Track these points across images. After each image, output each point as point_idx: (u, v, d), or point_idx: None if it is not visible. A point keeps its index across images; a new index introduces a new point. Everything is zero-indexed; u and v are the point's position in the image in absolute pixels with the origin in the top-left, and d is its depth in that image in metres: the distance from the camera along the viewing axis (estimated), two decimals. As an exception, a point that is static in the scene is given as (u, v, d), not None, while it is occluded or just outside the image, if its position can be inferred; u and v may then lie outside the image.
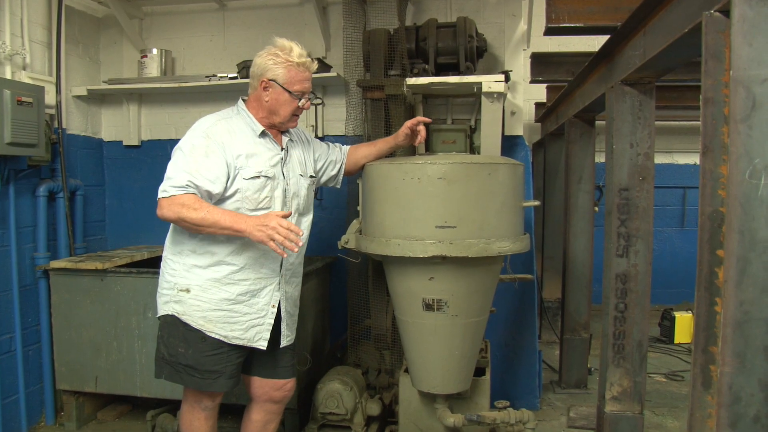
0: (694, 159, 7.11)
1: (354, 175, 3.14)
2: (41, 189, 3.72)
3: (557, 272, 5.39)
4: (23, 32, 3.64)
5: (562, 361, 4.55)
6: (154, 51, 4.14)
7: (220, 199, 2.45)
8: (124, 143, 4.42)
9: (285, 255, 2.37)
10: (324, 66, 4.00)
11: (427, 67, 3.52)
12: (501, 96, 3.43)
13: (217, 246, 2.48)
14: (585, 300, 4.40)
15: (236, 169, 2.45)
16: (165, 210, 2.35)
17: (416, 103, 3.83)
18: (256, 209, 2.49)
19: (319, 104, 4.21)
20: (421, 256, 2.65)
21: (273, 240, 2.26)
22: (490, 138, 3.65)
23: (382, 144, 3.05)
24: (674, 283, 7.01)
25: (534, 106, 6.67)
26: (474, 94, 3.71)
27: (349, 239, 3.07)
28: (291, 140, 2.71)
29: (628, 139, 2.87)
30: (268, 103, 2.54)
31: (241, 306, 2.53)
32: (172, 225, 2.57)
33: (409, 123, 2.92)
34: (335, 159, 2.99)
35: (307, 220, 2.79)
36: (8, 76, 3.48)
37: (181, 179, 2.34)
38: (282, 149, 2.64)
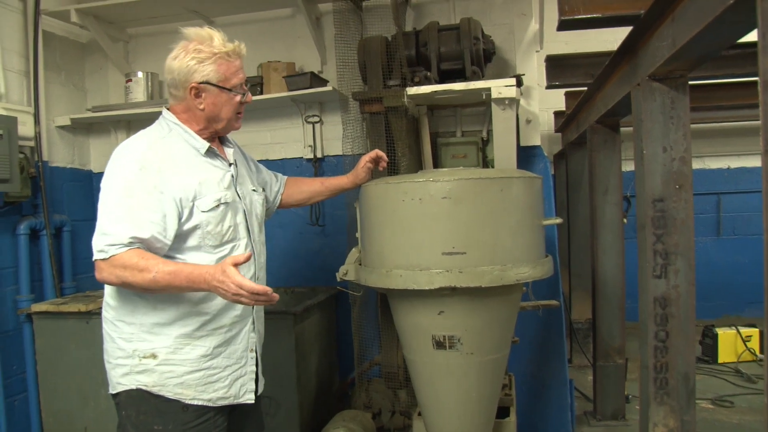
0: (727, 163, 6.69)
1: (288, 209, 2.81)
2: (22, 227, 3.47)
3: (586, 290, 4.99)
4: (-3, 61, 3.41)
5: (596, 390, 4.14)
6: (140, 74, 3.88)
7: (176, 240, 2.00)
8: (114, 174, 4.15)
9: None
10: (320, 80, 3.70)
11: (429, 74, 3.19)
12: (513, 102, 3.09)
13: (182, 295, 2.02)
14: (618, 322, 4.00)
15: (189, 203, 2.00)
16: (105, 273, 1.89)
17: (420, 116, 3.51)
18: (221, 244, 2.08)
19: (316, 122, 3.92)
20: (426, 288, 2.31)
21: (240, 303, 1.85)
22: (504, 150, 3.31)
23: (335, 181, 2.71)
24: (712, 296, 6.55)
25: (553, 115, 6.33)
26: (484, 103, 3.38)
27: (347, 270, 2.74)
28: (234, 150, 2.30)
29: (660, 142, 2.51)
30: (204, 111, 2.08)
31: (220, 359, 2.10)
32: None
33: (366, 156, 2.60)
34: (273, 186, 2.63)
35: (264, 239, 2.39)
36: (-22, 107, 3.24)
37: (120, 234, 1.87)
38: (230, 164, 2.21)
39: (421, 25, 3.45)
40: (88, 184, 4.17)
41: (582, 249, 5.24)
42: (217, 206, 2.06)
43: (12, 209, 3.45)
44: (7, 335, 3.41)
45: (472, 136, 3.66)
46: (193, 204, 2.00)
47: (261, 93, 3.74)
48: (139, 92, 3.87)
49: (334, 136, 3.89)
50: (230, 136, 2.33)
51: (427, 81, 3.18)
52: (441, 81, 3.24)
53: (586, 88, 4.01)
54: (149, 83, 3.91)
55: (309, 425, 3.26)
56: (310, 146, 3.94)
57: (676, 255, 2.50)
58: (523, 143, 3.60)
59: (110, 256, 1.86)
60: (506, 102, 3.07)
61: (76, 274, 3.92)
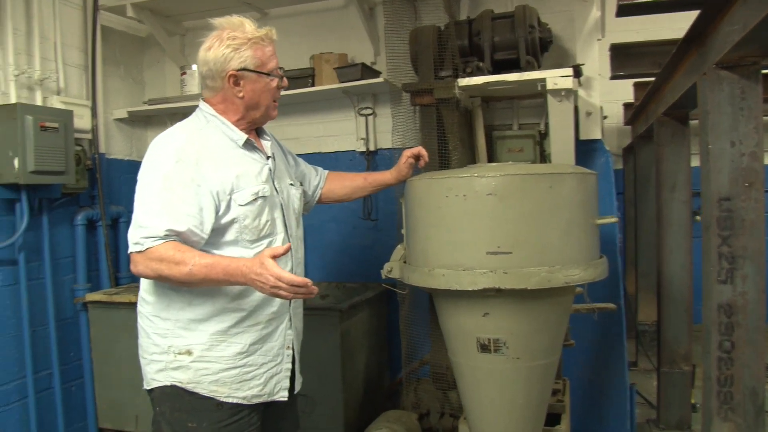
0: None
1: (334, 203, 2.76)
2: (79, 217, 3.55)
3: (653, 291, 4.74)
4: (57, 56, 3.50)
5: (660, 397, 3.92)
6: (194, 67, 3.89)
7: (213, 234, 1.97)
8: (171, 166, 4.20)
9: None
10: (371, 72, 3.63)
11: (481, 64, 3.06)
12: (570, 93, 2.93)
13: (218, 291, 1.99)
14: (684, 327, 3.77)
15: (226, 196, 1.96)
16: (140, 266, 1.87)
17: (474, 108, 3.38)
18: (258, 239, 2.04)
19: (369, 115, 3.84)
20: (469, 288, 2.20)
21: (278, 296, 1.82)
22: (560, 143, 3.14)
23: (378, 177, 2.63)
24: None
25: (622, 107, 6.05)
26: (542, 94, 3.22)
27: (392, 268, 2.65)
28: (272, 143, 2.25)
29: (728, 136, 2.31)
30: (244, 99, 2.04)
31: (256, 356, 2.06)
32: None
33: (408, 152, 2.51)
34: (312, 181, 2.57)
35: (302, 234, 2.35)
36: (38, 101, 3.33)
37: (157, 227, 1.84)
38: (268, 157, 2.17)
39: (476, 14, 3.32)
40: (145, 176, 4.24)
41: (649, 248, 4.99)
42: (255, 200, 2.02)
43: (70, 200, 3.53)
44: (65, 322, 3.50)
45: (529, 130, 3.49)
46: (231, 197, 1.97)
47: (312, 85, 3.70)
48: (193, 85, 3.89)
49: (388, 128, 3.80)
50: (268, 129, 2.29)
51: (479, 71, 3.05)
52: (495, 71, 3.10)
53: (653, 79, 3.78)
54: (204, 76, 3.92)
55: (355, 424, 3.21)
56: (362, 139, 3.88)
57: (743, 259, 2.30)
58: (582, 137, 3.42)
59: (146, 249, 1.84)
60: (562, 93, 2.91)
61: (133, 264, 4.00)
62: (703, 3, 2.32)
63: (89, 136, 3.62)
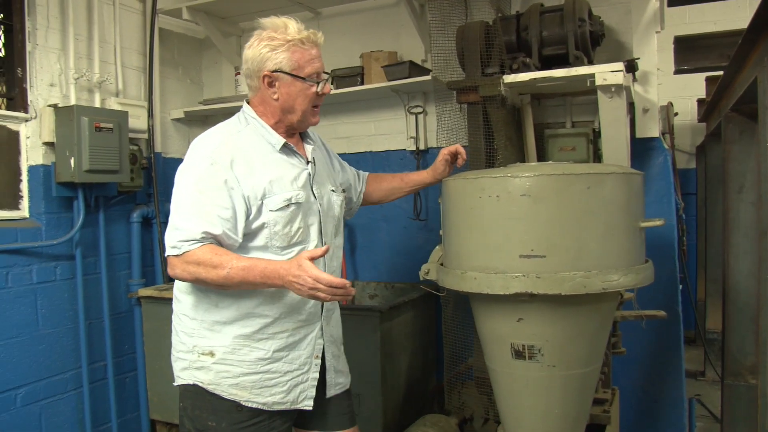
0: None
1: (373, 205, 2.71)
2: (135, 215, 3.68)
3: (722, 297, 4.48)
4: (116, 59, 3.63)
5: (724, 412, 3.68)
6: (247, 67, 3.96)
7: (243, 238, 1.96)
8: (225, 165, 4.29)
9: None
10: (420, 70, 3.58)
11: (529, 60, 2.96)
12: (621, 89, 2.78)
13: (245, 295, 1.98)
14: (751, 337, 3.52)
15: (257, 201, 1.94)
16: (177, 270, 1.88)
17: (523, 105, 3.28)
18: (289, 246, 2.00)
19: (419, 113, 3.80)
20: (501, 293, 2.13)
21: (316, 298, 1.82)
22: (612, 141, 3.00)
23: (415, 177, 2.58)
24: None
25: (696, 103, 5.74)
26: (594, 90, 3.09)
27: (429, 269, 2.59)
28: (315, 147, 2.20)
29: (789, 133, 2.13)
30: (278, 102, 2.01)
31: (280, 364, 2.03)
32: None
33: (446, 150, 2.45)
34: (357, 186, 2.52)
35: (341, 242, 2.31)
36: (97, 103, 3.47)
37: (193, 230, 1.84)
38: (308, 162, 2.12)
39: (526, 8, 3.22)
40: (202, 175, 4.35)
41: (719, 252, 4.70)
42: (287, 206, 1.99)
43: (126, 198, 3.66)
44: (120, 316, 3.64)
45: (583, 128, 3.36)
46: (262, 202, 1.95)
47: (362, 83, 3.69)
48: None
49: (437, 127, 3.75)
50: (319, 129, 2.28)
51: (525, 68, 2.95)
52: (544, 67, 2.99)
53: (722, 72, 3.55)
54: (256, 76, 3.98)
55: (396, 426, 3.17)
56: (412, 138, 3.83)
57: (805, 267, 2.12)
58: (639, 135, 3.25)
59: (183, 253, 1.84)
60: (612, 89, 2.77)
61: (187, 261, 4.11)
62: (764, -10, 2.15)
63: (145, 136, 3.74)
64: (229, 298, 1.97)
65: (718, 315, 4.85)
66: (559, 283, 2.06)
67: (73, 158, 3.13)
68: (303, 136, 2.19)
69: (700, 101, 5.58)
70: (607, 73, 2.74)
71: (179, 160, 4.11)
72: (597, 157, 3.30)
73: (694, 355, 5.11)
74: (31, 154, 3.21)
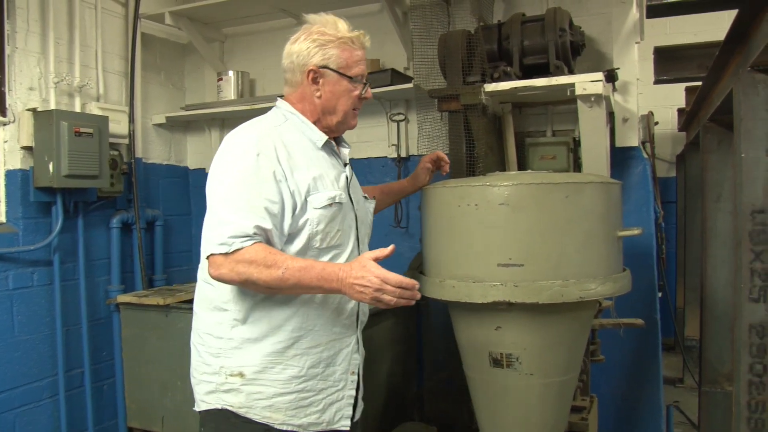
0: None
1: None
2: (114, 220, 3.65)
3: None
4: (97, 63, 3.60)
5: (701, 418, 3.71)
6: (230, 73, 3.95)
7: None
8: (207, 171, 4.26)
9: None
10: (402, 77, 3.59)
11: (509, 69, 2.97)
12: (600, 99, 2.81)
13: (275, 308, 1.81)
14: (728, 345, 3.55)
15: (302, 197, 1.80)
16: (224, 270, 1.68)
17: (504, 114, 3.30)
18: (327, 248, 1.88)
19: (401, 121, 3.80)
20: (479, 301, 2.13)
21: (380, 301, 1.67)
22: (592, 150, 3.03)
23: (395, 186, 2.57)
24: None
25: (677, 112, 5.81)
26: (574, 100, 3.11)
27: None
28: (349, 151, 2.10)
29: (763, 143, 2.15)
30: (321, 100, 1.90)
31: (315, 381, 1.87)
32: (201, 282, 1.91)
33: (427, 157, 2.40)
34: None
35: None
36: (77, 107, 3.43)
37: (245, 224, 1.68)
38: (345, 165, 2.01)
39: (508, 18, 3.24)
40: (184, 180, 4.33)
41: (697, 261, 4.75)
42: (330, 205, 1.86)
43: (106, 203, 3.63)
44: (98, 323, 3.60)
45: (563, 136, 3.38)
46: (306, 200, 1.82)
47: (343, 90, 3.68)
48: (229, 91, 3.94)
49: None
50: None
51: (506, 77, 2.97)
52: (525, 77, 3.01)
53: (701, 83, 3.60)
54: (239, 82, 3.97)
55: (376, 433, 3.16)
56: (394, 145, 3.84)
57: (779, 277, 2.14)
58: (618, 144, 3.28)
59: (234, 250, 1.66)
60: (592, 99, 2.80)
61: (168, 267, 4.08)
62: (740, 1, 2.18)
63: (126, 141, 3.71)
64: (258, 312, 1.81)
65: (696, 323, 4.90)
66: (537, 291, 2.07)
67: (51, 163, 3.09)
68: (338, 140, 2.08)
69: (680, 111, 5.65)
70: (587, 82, 2.76)
71: (160, 166, 4.14)
72: (577, 166, 3.32)
73: (672, 362, 5.16)
74: (9, 158, 3.18)
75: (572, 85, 2.80)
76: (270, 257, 1.67)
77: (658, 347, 3.29)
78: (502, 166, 3.31)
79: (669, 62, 3.86)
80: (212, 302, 1.86)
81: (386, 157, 3.90)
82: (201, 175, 4.32)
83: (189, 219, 4.36)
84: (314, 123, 1.95)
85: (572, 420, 2.61)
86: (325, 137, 1.94)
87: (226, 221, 1.70)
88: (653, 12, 2.34)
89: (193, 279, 4.23)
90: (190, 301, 3.39)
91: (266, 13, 3.95)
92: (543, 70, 3.02)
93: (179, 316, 3.34)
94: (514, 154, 3.32)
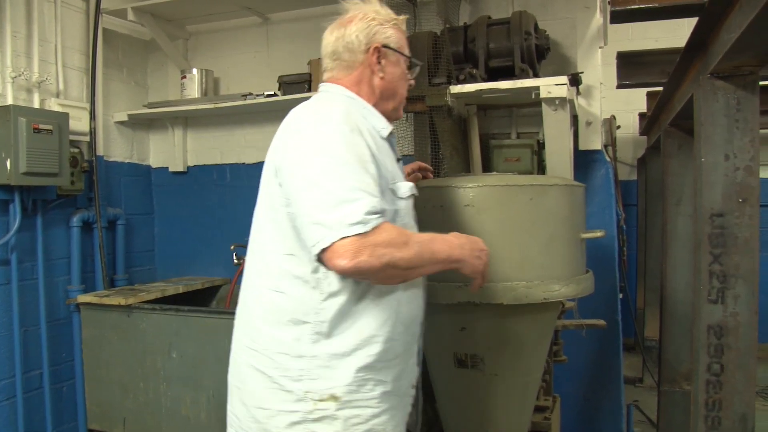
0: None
1: None
2: (75, 219, 3.56)
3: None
4: (57, 58, 3.51)
5: (660, 417, 3.80)
6: (194, 71, 3.90)
7: None
8: (170, 169, 4.21)
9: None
10: (369, 78, 3.58)
11: (475, 71, 3.00)
12: (564, 102, 2.85)
13: (363, 315, 1.57)
14: (686, 345, 3.63)
15: (388, 182, 1.61)
16: (365, 256, 1.39)
17: (470, 116, 3.32)
18: None
19: (368, 121, 3.79)
20: (444, 302, 2.14)
21: (482, 270, 1.67)
22: (556, 153, 3.07)
23: None
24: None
25: (638, 117, 5.93)
26: (539, 103, 3.15)
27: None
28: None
29: (722, 149, 2.21)
30: (383, 81, 1.74)
31: (397, 397, 1.66)
32: (267, 290, 1.63)
33: (408, 168, 2.25)
34: None
35: None
36: (36, 103, 3.34)
37: (372, 200, 1.44)
38: (398, 160, 1.82)
39: (474, 20, 3.26)
40: (146, 179, 4.25)
41: (657, 263, 4.86)
42: (411, 196, 1.72)
43: (66, 202, 3.54)
44: (58, 323, 3.51)
45: (527, 139, 3.42)
46: (391, 187, 1.64)
47: (309, 90, 3.66)
48: (193, 89, 3.89)
49: (385, 135, 3.76)
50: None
51: (472, 79, 2.99)
52: (490, 79, 3.04)
53: (662, 88, 3.67)
54: (203, 80, 3.92)
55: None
56: (360, 146, 3.82)
57: (735, 278, 2.20)
58: (582, 147, 3.33)
59: (371, 229, 1.41)
60: (557, 102, 2.83)
61: (130, 267, 4.00)
62: (699, 9, 2.23)
63: (87, 138, 3.63)
64: (345, 321, 1.56)
65: (656, 323, 5.00)
66: (502, 293, 2.09)
67: (9, 160, 3.01)
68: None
69: (641, 115, 5.77)
70: (551, 86, 2.79)
71: (122, 164, 4.06)
72: (541, 169, 3.36)
73: (633, 362, 5.25)
74: (-36, 154, 3.08)
75: (537, 88, 2.83)
76: (401, 233, 1.49)
77: (619, 348, 3.35)
78: (468, 168, 3.33)
79: (631, 67, 3.94)
80: (286, 314, 1.58)
81: (352, 157, 3.88)
82: (164, 173, 4.25)
83: (151, 218, 4.28)
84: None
85: (535, 419, 2.64)
86: (390, 126, 1.77)
87: (350, 198, 1.43)
88: (617, 18, 2.39)
89: (157, 278, 4.20)
90: (153, 301, 3.38)
91: (231, 11, 3.91)
92: (508, 73, 3.04)
93: (141, 316, 3.29)
94: (479, 155, 3.34)
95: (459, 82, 2.99)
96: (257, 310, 1.65)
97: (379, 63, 1.75)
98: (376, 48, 1.74)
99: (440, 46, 3.09)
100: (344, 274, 1.47)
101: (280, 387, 1.57)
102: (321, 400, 1.54)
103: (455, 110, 3.10)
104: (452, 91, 2.95)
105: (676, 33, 5.18)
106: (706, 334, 2.23)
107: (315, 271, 1.55)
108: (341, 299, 1.55)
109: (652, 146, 4.76)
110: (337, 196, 1.43)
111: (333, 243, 1.40)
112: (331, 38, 1.78)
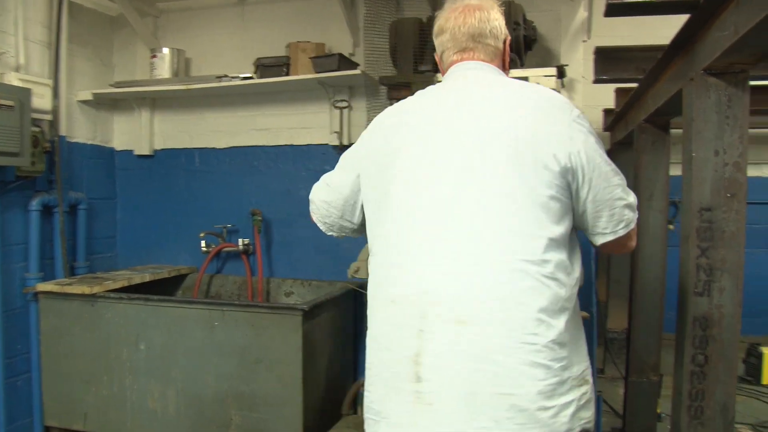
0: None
1: None
2: (34, 203, 3.36)
3: (624, 298, 4.66)
4: (17, 30, 3.30)
5: (627, 407, 3.85)
6: (165, 50, 3.74)
7: None
8: (136, 153, 4.04)
9: None
10: (349, 63, 3.50)
11: (462, 60, 2.94)
12: (552, 94, 2.83)
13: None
14: (655, 338, 3.69)
15: None
16: (635, 241, 1.81)
17: (454, 105, 3.27)
18: None
19: (345, 108, 3.71)
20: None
21: None
22: (540, 146, 3.05)
23: None
24: (760, 312, 6.12)
25: (602, 113, 6.00)
26: (523, 94, 3.12)
27: (359, 267, 2.54)
28: None
29: (713, 144, 2.21)
30: (506, 73, 1.79)
31: None
32: (548, 279, 1.46)
33: None
34: None
35: None
36: (-6, 77, 3.14)
37: None
38: None
39: (460, 8, 3.21)
40: (109, 162, 4.07)
41: (625, 255, 4.92)
42: None
43: (25, 184, 3.35)
44: (13, 313, 3.31)
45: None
46: None
47: (287, 74, 3.56)
48: (164, 69, 3.73)
49: (363, 123, 3.68)
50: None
51: (460, 68, 2.94)
52: (476, 68, 2.99)
53: (636, 85, 3.70)
54: (175, 60, 3.77)
55: (316, 428, 3.08)
56: (336, 132, 3.74)
57: (721, 272, 2.21)
58: (563, 140, 3.32)
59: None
60: (544, 94, 2.81)
61: (92, 253, 3.82)
62: (693, 7, 2.23)
63: (49, 117, 3.43)
64: (575, 301, 1.57)
65: (619, 315, 5.08)
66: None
67: (-35, 137, 2.82)
68: None
69: (606, 111, 5.83)
70: (540, 77, 2.78)
71: (85, 145, 3.87)
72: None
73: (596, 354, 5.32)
74: None
75: (526, 78, 2.80)
76: None
77: (593, 339, 3.37)
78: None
79: (609, 63, 3.95)
80: (560, 302, 1.47)
81: (327, 144, 3.80)
82: (128, 156, 4.08)
83: (114, 203, 4.10)
84: None
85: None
86: None
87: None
88: (613, 11, 2.37)
89: (119, 265, 4.02)
90: (119, 290, 3.23)
91: (207, -11, 3.77)
92: (495, 63, 3.01)
93: (107, 306, 3.14)
94: (461, 146, 3.30)
95: (446, 70, 2.93)
96: (539, 300, 1.45)
97: (507, 55, 1.79)
98: (509, 41, 1.78)
99: (426, 34, 3.03)
100: (627, 252, 1.77)
101: (560, 380, 1.44)
102: (580, 385, 1.48)
103: (440, 99, 3.04)
104: (439, 79, 2.89)
105: (642, 31, 5.25)
106: (691, 326, 2.24)
107: (571, 254, 1.55)
108: (578, 286, 1.59)
109: (618, 142, 4.81)
110: (624, 185, 1.67)
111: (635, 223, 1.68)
112: (471, 19, 1.70)
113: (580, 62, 3.27)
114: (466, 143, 1.50)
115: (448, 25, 1.74)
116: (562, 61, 3.20)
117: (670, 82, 2.86)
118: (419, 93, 1.71)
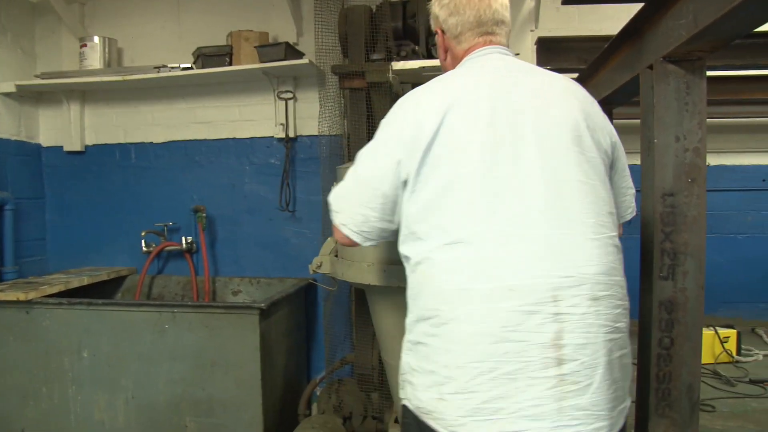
0: (708, 160, 6.54)
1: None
2: (-46, 204, 3.10)
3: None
4: (-70, 16, 3.02)
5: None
6: (95, 39, 3.51)
7: None
8: (65, 149, 3.79)
9: None
10: (295, 52, 3.40)
11: (417, 48, 2.91)
12: (507, 83, 2.82)
13: None
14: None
15: None
16: None
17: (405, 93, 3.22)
18: None
19: (290, 99, 3.60)
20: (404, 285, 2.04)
21: None
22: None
23: None
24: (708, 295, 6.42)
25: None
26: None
27: (322, 263, 2.45)
28: None
29: (673, 131, 2.26)
30: None
31: None
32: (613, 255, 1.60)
33: None
34: None
35: None
36: None
37: None
38: None
39: (411, -4, 3.16)
40: (36, 159, 3.80)
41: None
42: None
43: (-56, 184, 3.08)
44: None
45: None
46: None
47: (230, 64, 3.42)
48: (94, 59, 3.51)
49: (309, 114, 3.58)
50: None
51: (414, 56, 2.90)
52: (430, 56, 2.96)
53: (576, 75, 3.77)
54: (106, 50, 3.55)
55: (276, 429, 2.98)
56: (281, 125, 3.62)
57: (685, 255, 2.27)
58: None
59: None
60: (500, 82, 2.80)
61: (20, 257, 3.56)
62: (648, -5, 2.27)
63: (-32, 111, 3.17)
64: None
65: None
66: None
67: None
68: None
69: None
70: (495, 65, 2.75)
71: (8, 141, 3.60)
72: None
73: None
74: None
75: (481, 67, 2.78)
76: None
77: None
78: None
79: (550, 53, 4.00)
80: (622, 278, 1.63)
81: (272, 137, 3.68)
82: (57, 153, 3.82)
83: (42, 203, 3.84)
84: None
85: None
86: None
87: None
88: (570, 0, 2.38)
89: (50, 269, 3.77)
90: (57, 295, 3.03)
91: (138, -25, 3.56)
92: (447, 51, 2.98)
93: (44, 312, 2.93)
94: (414, 136, 3.26)
95: (401, 58, 2.88)
96: (621, 270, 1.62)
97: None
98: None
99: (378, 21, 2.97)
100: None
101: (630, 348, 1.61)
102: None
103: (394, 88, 2.99)
104: (395, 68, 2.85)
105: (574, 23, 5.37)
106: (657, 310, 2.29)
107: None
108: None
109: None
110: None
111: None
112: (495, 4, 1.72)
113: (528, 51, 3.29)
114: (534, 128, 1.51)
115: (470, 6, 1.71)
116: (513, 50, 3.19)
117: (616, 71, 2.91)
118: (453, 73, 1.64)
